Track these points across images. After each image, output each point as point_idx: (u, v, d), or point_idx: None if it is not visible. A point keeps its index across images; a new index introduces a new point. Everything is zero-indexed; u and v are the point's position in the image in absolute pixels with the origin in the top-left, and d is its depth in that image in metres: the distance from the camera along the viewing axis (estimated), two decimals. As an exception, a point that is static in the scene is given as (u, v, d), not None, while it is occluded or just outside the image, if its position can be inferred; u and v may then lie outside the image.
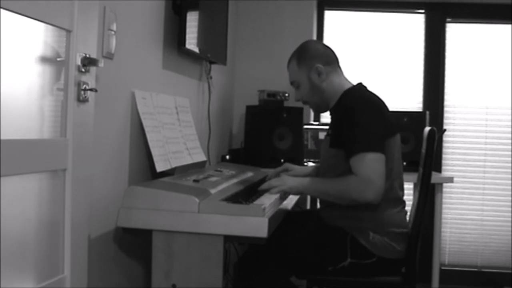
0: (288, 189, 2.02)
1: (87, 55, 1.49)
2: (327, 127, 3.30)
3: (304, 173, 2.34)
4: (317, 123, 3.46)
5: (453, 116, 3.69)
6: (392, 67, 3.69)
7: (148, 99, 2.07)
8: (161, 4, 2.25)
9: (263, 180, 2.19)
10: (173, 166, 2.09)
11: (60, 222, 1.44)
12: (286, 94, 3.23)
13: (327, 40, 3.72)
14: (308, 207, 3.41)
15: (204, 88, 2.85)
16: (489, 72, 3.66)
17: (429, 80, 3.67)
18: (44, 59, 1.42)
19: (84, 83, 1.49)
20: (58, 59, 1.45)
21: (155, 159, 1.97)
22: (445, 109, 3.68)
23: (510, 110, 3.62)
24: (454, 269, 3.67)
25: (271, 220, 1.71)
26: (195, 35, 2.43)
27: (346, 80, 2.13)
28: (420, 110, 3.64)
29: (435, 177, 2.74)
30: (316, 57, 2.09)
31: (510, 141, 3.63)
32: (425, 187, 2.05)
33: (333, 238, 2.01)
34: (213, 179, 2.09)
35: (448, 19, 3.68)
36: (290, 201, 2.23)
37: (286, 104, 3.24)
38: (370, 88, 2.12)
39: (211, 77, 2.89)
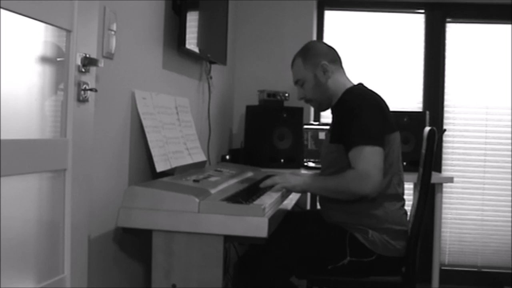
0: (291, 187, 2.05)
1: (87, 55, 1.49)
2: (327, 127, 3.33)
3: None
4: (317, 123, 3.46)
5: (453, 116, 3.69)
6: (392, 67, 3.69)
7: (148, 99, 2.07)
8: (161, 4, 2.25)
9: (263, 180, 2.19)
10: (173, 166, 2.09)
11: (60, 222, 1.44)
12: (286, 94, 3.23)
13: (327, 40, 3.71)
14: (308, 207, 3.41)
15: (204, 88, 2.85)
16: (489, 72, 3.66)
17: (429, 80, 3.67)
18: (44, 59, 1.42)
19: (84, 83, 1.49)
20: (58, 59, 1.45)
21: (155, 159, 1.97)
22: (445, 109, 3.68)
23: (510, 110, 3.62)
24: (454, 269, 3.67)
25: (271, 220, 1.71)
26: (195, 35, 2.43)
27: (348, 80, 2.18)
28: (420, 110, 3.64)
29: (435, 177, 2.74)
30: (322, 55, 2.13)
31: (510, 141, 3.63)
32: (425, 187, 2.05)
33: (332, 236, 2.02)
34: (213, 179, 2.09)
35: (448, 19, 3.68)
36: (290, 201, 2.22)
37: (286, 104, 3.24)
38: (371, 88, 2.15)
39: (211, 77, 2.89)
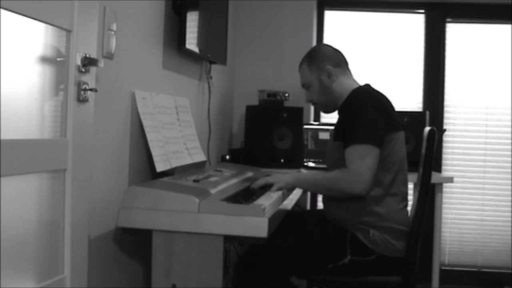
0: (284, 184, 2.08)
1: (87, 55, 1.49)
2: (327, 127, 3.33)
3: None
4: (317, 123, 3.47)
5: (453, 116, 3.69)
6: (392, 67, 3.69)
7: (148, 99, 2.07)
8: (161, 4, 2.25)
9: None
10: (173, 166, 2.09)
11: (60, 222, 1.44)
12: (286, 94, 3.23)
13: (327, 40, 3.72)
14: (308, 207, 3.42)
15: (204, 88, 2.85)
16: (489, 72, 3.66)
17: (429, 80, 3.67)
18: (44, 59, 1.42)
19: (84, 83, 1.49)
20: (58, 59, 1.45)
21: (155, 159, 1.97)
22: (445, 109, 3.68)
23: (510, 110, 3.62)
24: (454, 269, 3.67)
25: (271, 220, 1.71)
26: (195, 35, 2.43)
27: (355, 81, 2.21)
28: (420, 110, 3.64)
29: (435, 177, 2.74)
30: (326, 59, 2.17)
31: (510, 141, 3.63)
32: (425, 187, 2.05)
33: (332, 235, 2.03)
34: (213, 179, 2.09)
35: (448, 19, 3.68)
36: (290, 201, 2.23)
37: (286, 104, 3.24)
38: (377, 89, 2.17)
39: (211, 77, 2.89)
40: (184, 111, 2.39)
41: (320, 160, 3.22)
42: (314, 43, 3.66)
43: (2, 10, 1.15)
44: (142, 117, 1.98)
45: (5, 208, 1.19)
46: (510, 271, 3.56)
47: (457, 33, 3.68)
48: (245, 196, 1.89)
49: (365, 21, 3.72)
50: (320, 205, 3.42)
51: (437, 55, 3.67)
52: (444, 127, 3.63)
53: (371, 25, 3.71)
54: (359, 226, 2.01)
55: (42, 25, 1.34)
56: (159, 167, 1.99)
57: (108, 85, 1.77)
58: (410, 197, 2.25)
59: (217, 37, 2.82)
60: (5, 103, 1.20)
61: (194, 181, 1.96)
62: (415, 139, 3.03)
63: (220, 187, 1.97)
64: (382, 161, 1.98)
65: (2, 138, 1.16)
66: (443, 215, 3.24)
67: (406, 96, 3.67)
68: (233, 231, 1.69)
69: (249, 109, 3.23)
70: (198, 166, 2.38)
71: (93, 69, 1.53)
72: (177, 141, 2.23)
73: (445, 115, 3.68)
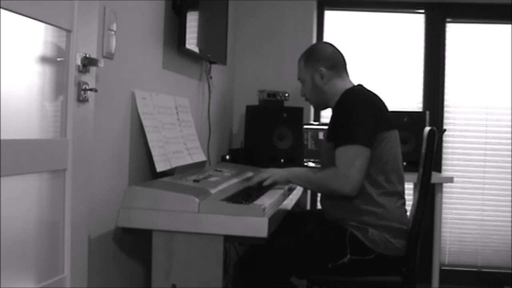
0: (278, 178, 2.14)
1: (87, 55, 1.49)
2: (327, 127, 3.33)
3: None
4: (317, 123, 3.47)
5: (453, 116, 3.69)
6: (392, 67, 3.69)
7: (148, 99, 2.07)
8: (161, 4, 2.25)
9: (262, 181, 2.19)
10: (173, 166, 2.09)
11: (60, 222, 1.44)
12: (286, 94, 3.23)
13: (327, 40, 3.71)
14: (308, 207, 3.41)
15: (204, 88, 2.85)
16: (489, 72, 3.66)
17: (429, 80, 3.67)
18: (44, 59, 1.42)
19: (84, 83, 1.49)
20: (58, 59, 1.45)
21: (155, 159, 1.97)
22: (445, 109, 3.68)
23: (510, 110, 3.62)
24: (454, 269, 3.67)
25: (271, 220, 1.71)
26: (195, 35, 2.43)
27: (350, 82, 2.21)
28: (420, 110, 3.64)
29: (435, 177, 2.74)
30: (322, 60, 2.18)
31: (510, 141, 3.63)
32: (425, 187, 2.05)
33: (332, 235, 2.03)
34: (213, 179, 2.09)
35: (448, 19, 3.68)
36: (290, 201, 2.23)
37: (286, 104, 3.24)
38: (371, 88, 2.16)
39: (211, 77, 2.89)
40: (184, 111, 2.39)
41: (320, 160, 3.22)
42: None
43: (2, 10, 1.15)
44: (142, 117, 1.98)
45: (5, 208, 1.19)
46: (510, 271, 3.56)
47: (457, 33, 3.68)
48: (245, 196, 1.89)
49: (365, 21, 3.72)
50: (320, 205, 3.41)
51: (437, 55, 3.67)
52: (444, 127, 3.63)
53: (371, 25, 3.71)
54: (357, 225, 2.02)
55: (42, 25, 1.34)
56: (159, 167, 1.99)
57: (108, 85, 1.77)
58: (409, 197, 2.25)
59: (217, 37, 2.82)
60: (5, 103, 1.20)
61: (194, 181, 1.96)
62: (415, 139, 3.03)
63: (220, 187, 1.97)
64: (375, 160, 1.99)
65: (2, 138, 1.16)
66: (443, 215, 3.24)
67: (406, 96, 3.68)
68: (233, 231, 1.69)
69: (249, 109, 3.23)
70: (198, 166, 2.38)
71: (93, 69, 1.53)
72: (177, 141, 2.23)
73: (445, 115, 3.68)
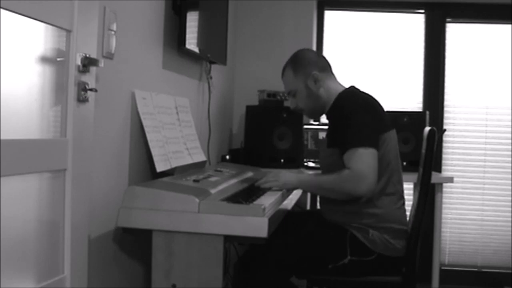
0: (282, 184, 2.09)
1: (87, 55, 1.49)
2: (327, 127, 3.33)
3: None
4: (317, 123, 3.46)
5: (453, 116, 3.69)
6: (392, 67, 3.68)
7: (148, 99, 2.07)
8: (161, 4, 2.25)
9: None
10: (173, 166, 2.09)
11: (60, 222, 1.44)
12: (286, 94, 3.23)
13: (327, 40, 3.72)
14: (308, 207, 3.41)
15: (204, 88, 2.85)
16: (489, 72, 3.66)
17: (429, 80, 3.67)
18: (44, 59, 1.42)
19: (84, 83, 1.49)
20: (58, 59, 1.45)
21: (155, 159, 1.97)
22: (445, 109, 3.68)
23: (510, 110, 3.62)
24: (454, 269, 3.67)
25: (271, 220, 1.71)
26: (195, 35, 2.43)
27: (340, 84, 2.19)
28: (420, 110, 3.64)
29: (435, 177, 2.74)
30: (312, 65, 2.14)
31: (510, 141, 3.63)
32: (425, 187, 2.05)
33: (332, 236, 2.02)
34: (213, 179, 2.09)
35: (448, 19, 3.68)
36: (290, 201, 2.23)
37: (286, 104, 3.23)
38: (369, 89, 2.18)
39: (211, 77, 2.89)
40: (184, 111, 2.39)
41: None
42: (314, 43, 3.66)
43: (2, 10, 1.15)
44: (142, 117, 1.98)
45: (5, 208, 1.19)
46: (510, 271, 3.56)
47: (457, 33, 3.68)
48: (245, 196, 1.89)
49: (365, 21, 3.72)
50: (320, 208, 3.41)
51: (437, 55, 3.67)
52: (444, 127, 3.63)
53: (371, 25, 3.71)
54: (358, 226, 2.01)
55: (42, 25, 1.34)
56: (159, 167, 1.99)
57: (108, 85, 1.77)
58: (409, 197, 2.25)
59: (217, 37, 2.82)
60: (5, 103, 1.20)
61: (194, 181, 1.96)
62: (415, 139, 3.03)
63: (220, 187, 1.97)
64: (379, 163, 1.97)
65: (2, 138, 1.16)
66: (443, 215, 3.24)
67: (406, 96, 3.67)
68: (233, 231, 1.69)
69: (249, 109, 3.23)
70: (198, 166, 2.38)
71: (93, 69, 1.53)
72: (177, 141, 2.23)
73: (445, 115, 3.68)
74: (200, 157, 2.42)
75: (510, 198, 3.63)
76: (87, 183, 1.55)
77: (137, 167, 2.03)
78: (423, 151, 2.11)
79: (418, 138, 2.94)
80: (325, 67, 2.17)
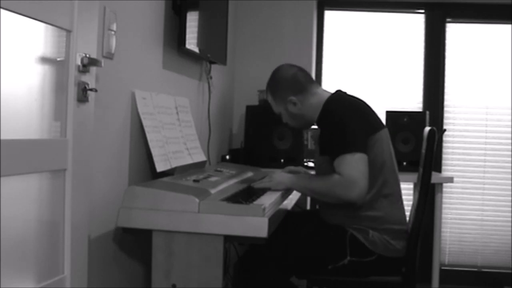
0: (275, 184, 2.09)
1: (87, 55, 1.49)
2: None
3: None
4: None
5: (453, 116, 3.69)
6: (392, 67, 3.68)
7: (148, 99, 2.07)
8: (161, 4, 2.25)
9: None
10: (173, 166, 2.09)
11: (60, 222, 1.44)
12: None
13: (327, 40, 3.72)
14: (308, 207, 3.41)
15: (204, 88, 2.85)
16: (489, 72, 3.66)
17: (429, 80, 3.67)
18: (44, 59, 1.42)
19: (84, 83, 1.49)
20: (58, 59, 1.45)
21: (155, 159, 1.97)
22: (445, 109, 3.68)
23: (510, 110, 3.62)
24: (454, 269, 3.67)
25: (271, 220, 1.71)
26: (195, 35, 2.43)
27: (325, 91, 2.18)
28: (420, 110, 3.64)
29: (435, 177, 2.74)
30: (286, 90, 2.14)
31: (510, 141, 3.63)
32: (425, 187, 2.05)
33: (332, 236, 2.02)
34: (213, 179, 2.09)
35: (448, 19, 3.68)
36: (290, 201, 2.23)
37: (286, 104, 3.23)
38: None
39: (211, 77, 2.89)
40: (184, 111, 2.39)
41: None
42: (314, 43, 3.66)
43: (2, 10, 1.15)
44: (142, 117, 1.98)
45: (5, 208, 1.19)
46: (510, 271, 3.56)
47: (457, 33, 3.68)
48: (245, 196, 1.89)
49: (365, 21, 3.72)
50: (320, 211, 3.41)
51: (437, 55, 3.67)
52: (444, 127, 3.63)
53: (371, 25, 3.71)
54: (358, 227, 2.01)
55: (42, 25, 1.34)
56: (159, 167, 1.99)
57: (108, 85, 1.77)
58: (409, 197, 2.25)
59: (217, 37, 2.82)
60: (5, 103, 1.20)
61: (194, 181, 1.96)
62: (415, 139, 3.02)
63: (220, 187, 1.97)
64: (370, 165, 1.95)
65: (2, 138, 1.16)
66: (443, 215, 3.24)
67: (406, 96, 3.67)
68: (233, 231, 1.69)
69: (249, 109, 3.23)
70: (198, 166, 2.38)
71: (93, 69, 1.53)
72: (177, 141, 2.23)
73: (445, 115, 3.68)
74: (200, 157, 2.43)
75: (510, 198, 3.63)
76: (87, 183, 1.55)
77: (137, 167, 2.03)
78: (423, 151, 2.11)
79: (418, 138, 2.94)
80: (303, 86, 2.14)
